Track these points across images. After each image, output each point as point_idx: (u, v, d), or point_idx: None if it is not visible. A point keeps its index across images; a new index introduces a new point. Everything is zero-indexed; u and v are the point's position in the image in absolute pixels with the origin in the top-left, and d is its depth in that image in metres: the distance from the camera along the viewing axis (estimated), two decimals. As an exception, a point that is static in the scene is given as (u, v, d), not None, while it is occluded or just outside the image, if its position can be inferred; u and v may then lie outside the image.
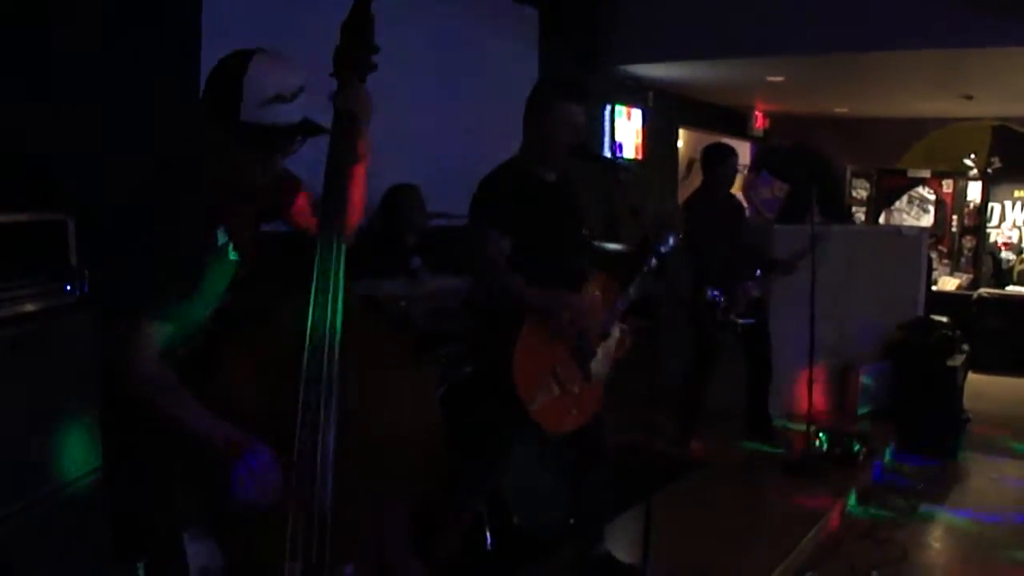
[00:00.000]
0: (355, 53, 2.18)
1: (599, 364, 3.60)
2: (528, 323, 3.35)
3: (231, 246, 2.24)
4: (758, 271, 5.84)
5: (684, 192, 11.05)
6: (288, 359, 2.03)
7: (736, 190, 6.64)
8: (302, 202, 2.46)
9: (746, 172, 13.14)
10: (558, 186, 3.59)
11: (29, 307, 2.86)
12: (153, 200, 2.13)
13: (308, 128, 2.14)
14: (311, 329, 2.03)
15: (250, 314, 2.20)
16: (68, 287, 3.00)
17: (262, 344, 2.13)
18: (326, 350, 2.03)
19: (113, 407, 2.24)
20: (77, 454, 2.93)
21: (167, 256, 2.06)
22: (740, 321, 5.71)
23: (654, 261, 3.68)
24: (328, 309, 2.04)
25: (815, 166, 8.29)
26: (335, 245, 2.10)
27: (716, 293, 5.62)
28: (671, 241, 3.77)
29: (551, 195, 3.55)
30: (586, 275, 3.61)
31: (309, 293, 2.06)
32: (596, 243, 7.19)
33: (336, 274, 2.08)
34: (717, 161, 5.93)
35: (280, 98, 2.08)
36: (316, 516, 2.01)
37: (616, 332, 3.70)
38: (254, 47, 2.12)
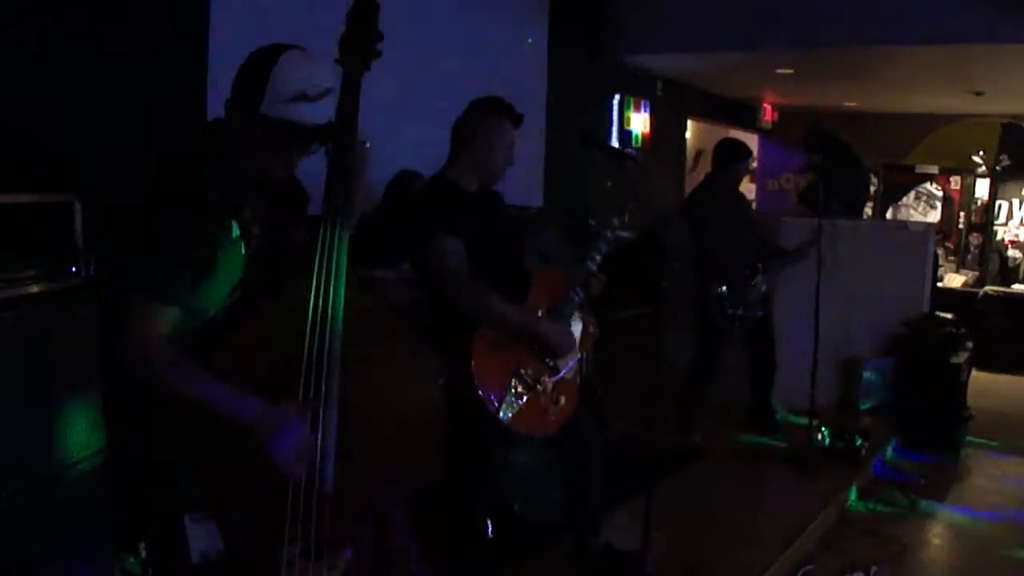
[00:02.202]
0: (360, 40, 2.18)
1: (566, 358, 3.57)
2: (480, 330, 3.34)
3: (244, 242, 2.22)
4: (760, 264, 5.81)
5: (692, 182, 11.06)
6: (289, 343, 2.03)
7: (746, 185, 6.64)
8: (302, 232, 2.43)
9: (754, 164, 13.18)
10: (483, 196, 3.62)
11: (34, 288, 2.86)
12: (168, 187, 2.13)
13: (324, 134, 2.15)
14: (312, 313, 2.04)
15: (252, 299, 2.19)
16: (73, 269, 3.00)
17: (263, 328, 2.13)
18: (328, 335, 2.03)
19: (115, 389, 2.25)
20: (80, 436, 2.94)
21: (177, 240, 2.05)
22: (747, 314, 5.70)
23: (602, 244, 3.68)
24: (330, 294, 2.05)
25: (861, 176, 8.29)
26: (337, 232, 2.10)
27: (722, 288, 5.62)
28: (615, 222, 3.70)
29: (481, 205, 3.58)
30: (529, 277, 3.61)
31: (311, 278, 2.06)
32: (605, 232, 7.21)
33: (338, 260, 2.08)
34: (732, 159, 5.92)
35: (303, 96, 2.09)
36: (316, 500, 2.02)
37: (580, 322, 3.68)
38: (290, 43, 2.14)
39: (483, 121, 3.54)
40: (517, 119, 3.57)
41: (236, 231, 2.19)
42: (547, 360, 3.50)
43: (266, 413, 2.01)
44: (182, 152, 2.23)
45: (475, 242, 3.38)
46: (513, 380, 3.38)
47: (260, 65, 2.10)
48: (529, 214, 6.56)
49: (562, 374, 3.55)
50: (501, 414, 3.32)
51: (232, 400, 2.02)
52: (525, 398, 3.40)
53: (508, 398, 3.35)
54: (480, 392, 3.28)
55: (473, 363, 3.29)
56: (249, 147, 2.17)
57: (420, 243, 3.43)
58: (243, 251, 2.22)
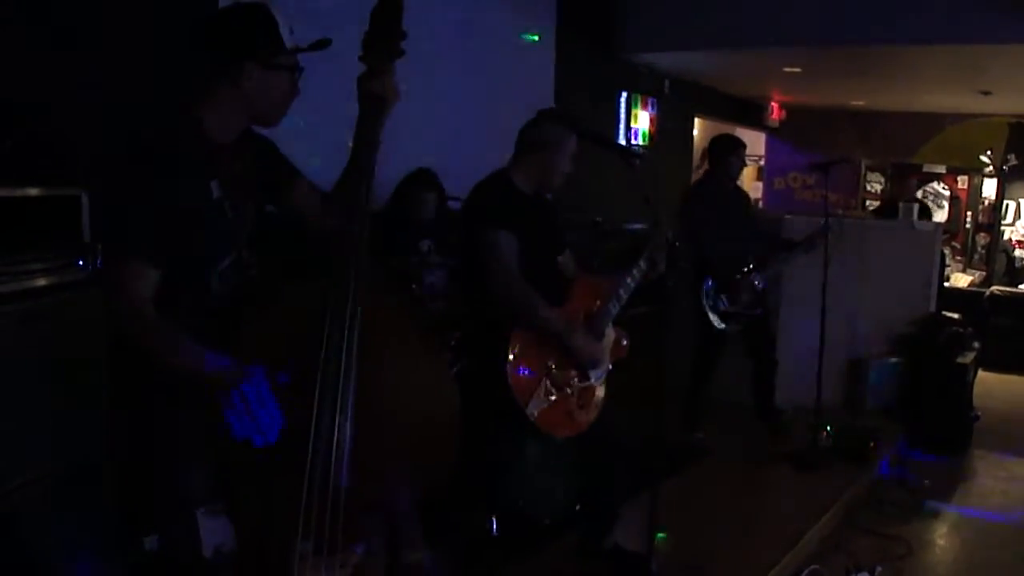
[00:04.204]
0: (384, 39, 2.23)
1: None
2: (519, 328, 3.38)
3: (227, 204, 2.27)
4: (755, 263, 5.76)
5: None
6: (307, 338, 2.04)
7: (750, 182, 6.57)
8: (302, 188, 2.52)
9: (761, 163, 13.15)
10: (538, 200, 3.67)
11: (41, 281, 2.86)
12: (144, 149, 2.18)
13: (325, 42, 2.26)
14: (330, 309, 2.06)
15: (267, 294, 2.22)
16: (80, 262, 3.01)
17: (281, 324, 2.14)
18: (345, 330, 2.05)
19: (124, 381, 2.25)
20: (86, 428, 2.94)
21: (145, 196, 2.10)
22: (740, 312, 5.68)
23: (642, 264, 3.70)
24: (347, 289, 2.07)
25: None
26: (357, 225, 2.14)
27: (711, 286, 5.60)
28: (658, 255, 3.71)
29: (536, 208, 3.63)
30: (571, 283, 3.66)
31: (327, 273, 2.09)
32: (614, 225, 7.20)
33: (355, 256, 2.11)
34: (726, 151, 5.86)
35: (290, 29, 2.26)
36: (331, 496, 2.02)
37: (611, 334, 3.70)
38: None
39: (552, 132, 3.59)
40: (582, 132, 3.64)
41: (217, 192, 2.24)
42: (579, 364, 3.53)
43: (226, 368, 2.02)
44: (150, 130, 2.27)
45: (524, 243, 3.43)
46: (545, 379, 3.42)
47: (262, 15, 2.23)
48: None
49: (591, 380, 3.59)
50: (528, 410, 3.35)
51: (205, 356, 2.04)
52: (554, 397, 3.44)
53: (538, 396, 3.39)
54: (512, 387, 3.32)
55: (509, 359, 3.33)
56: (270, 94, 2.26)
57: (474, 234, 3.47)
58: (227, 214, 2.26)
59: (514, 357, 3.34)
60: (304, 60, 2.32)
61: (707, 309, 5.64)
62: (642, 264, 3.69)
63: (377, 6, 2.24)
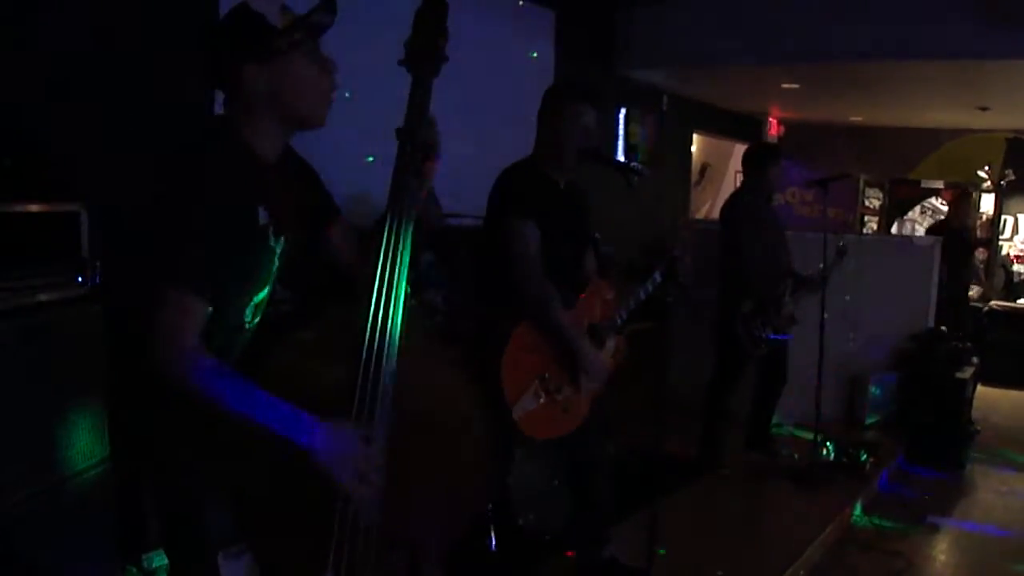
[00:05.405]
0: (430, 43, 2.17)
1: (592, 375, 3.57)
2: (524, 325, 3.35)
3: (272, 231, 2.10)
4: (791, 283, 5.59)
5: (697, 197, 11.03)
6: (339, 365, 1.96)
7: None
8: (340, 228, 2.37)
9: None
10: (569, 190, 3.59)
11: (40, 298, 2.87)
12: (189, 172, 1.98)
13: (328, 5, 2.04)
14: (370, 332, 1.95)
15: (302, 315, 2.11)
16: (80, 278, 3.01)
17: (313, 350, 2.03)
18: (384, 357, 1.95)
19: (134, 406, 2.17)
20: (84, 445, 2.94)
21: (202, 226, 1.90)
22: (773, 338, 5.46)
23: (657, 278, 3.67)
24: (389, 312, 1.97)
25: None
26: (401, 248, 2.04)
27: (749, 307, 5.34)
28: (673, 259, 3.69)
29: (564, 199, 3.55)
30: (588, 281, 3.61)
31: (363, 295, 1.99)
32: (604, 248, 7.18)
33: (399, 276, 2.01)
34: (766, 161, 5.58)
35: (285, 8, 2.03)
36: (363, 527, 1.94)
37: (611, 343, 3.68)
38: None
39: (550, 105, 3.54)
40: (591, 99, 3.55)
41: (264, 218, 2.06)
42: (574, 373, 3.49)
43: (321, 431, 1.88)
44: (195, 142, 2.08)
45: (547, 233, 3.36)
46: (537, 382, 3.39)
47: (240, 12, 2.01)
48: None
49: (582, 391, 3.55)
50: (515, 410, 3.32)
51: (283, 414, 1.87)
52: (541, 401, 3.41)
53: (526, 397, 3.35)
54: (504, 383, 3.28)
55: (506, 354, 3.29)
56: (290, 87, 2.05)
57: (497, 222, 3.41)
58: (271, 242, 2.10)
59: (510, 355, 3.31)
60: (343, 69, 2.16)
61: (742, 333, 5.33)
62: (657, 277, 3.66)
63: (422, 8, 2.14)
